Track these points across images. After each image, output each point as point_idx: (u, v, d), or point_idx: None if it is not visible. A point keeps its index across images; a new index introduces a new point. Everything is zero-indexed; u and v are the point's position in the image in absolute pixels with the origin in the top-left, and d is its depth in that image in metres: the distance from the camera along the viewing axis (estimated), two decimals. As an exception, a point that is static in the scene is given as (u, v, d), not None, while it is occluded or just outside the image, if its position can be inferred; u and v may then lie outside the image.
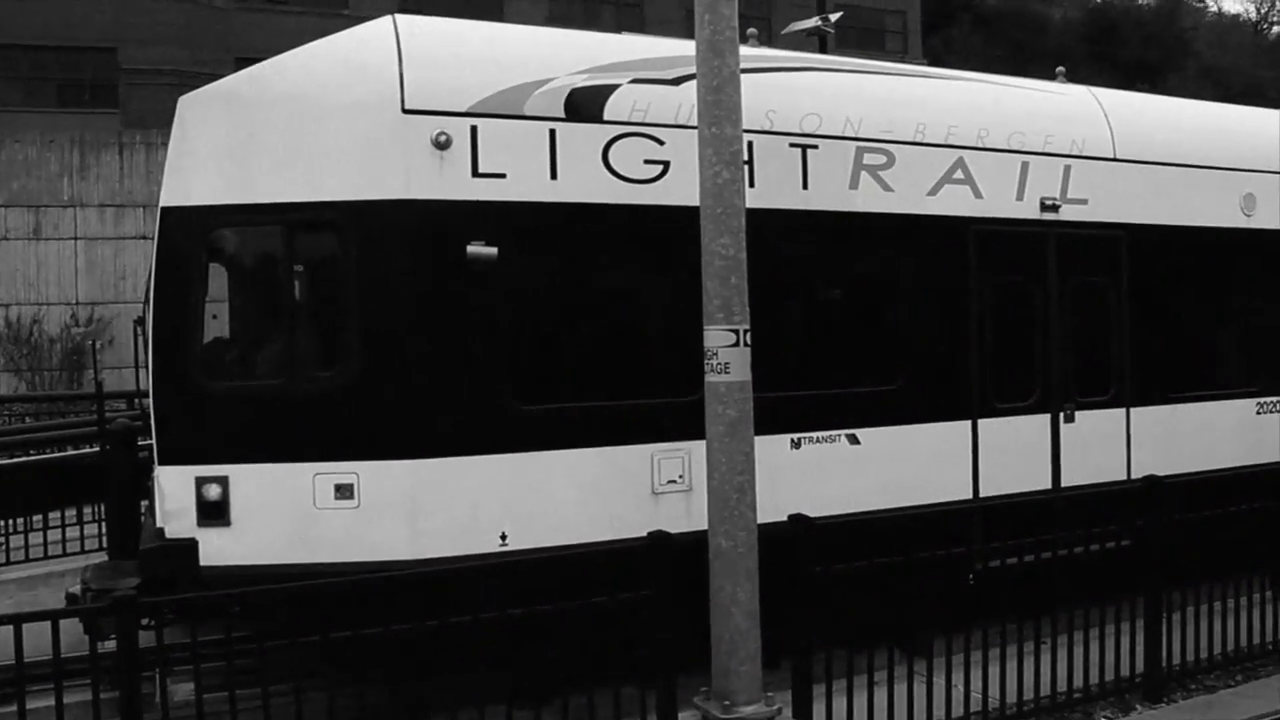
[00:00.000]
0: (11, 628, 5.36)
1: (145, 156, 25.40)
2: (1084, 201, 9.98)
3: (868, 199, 8.93)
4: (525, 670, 6.28)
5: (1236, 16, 66.36)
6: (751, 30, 9.76)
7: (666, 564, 6.37)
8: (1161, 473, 8.42)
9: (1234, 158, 11.04)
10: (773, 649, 6.75)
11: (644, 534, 6.60)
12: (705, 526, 6.59)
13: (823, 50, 20.14)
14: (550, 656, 6.23)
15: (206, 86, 7.76)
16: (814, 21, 21.91)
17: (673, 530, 6.77)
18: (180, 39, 30.60)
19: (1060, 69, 11.43)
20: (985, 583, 7.85)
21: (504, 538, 7.57)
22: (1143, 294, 10.32)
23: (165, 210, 7.42)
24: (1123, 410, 10.18)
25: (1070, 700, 7.57)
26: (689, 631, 6.52)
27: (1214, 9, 65.08)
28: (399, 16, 7.90)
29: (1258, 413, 11.06)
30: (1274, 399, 11.15)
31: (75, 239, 25.19)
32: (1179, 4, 57.26)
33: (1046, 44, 44.49)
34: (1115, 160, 10.21)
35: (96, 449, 11.44)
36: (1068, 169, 9.89)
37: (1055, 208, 9.80)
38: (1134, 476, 9.83)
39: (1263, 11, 66.58)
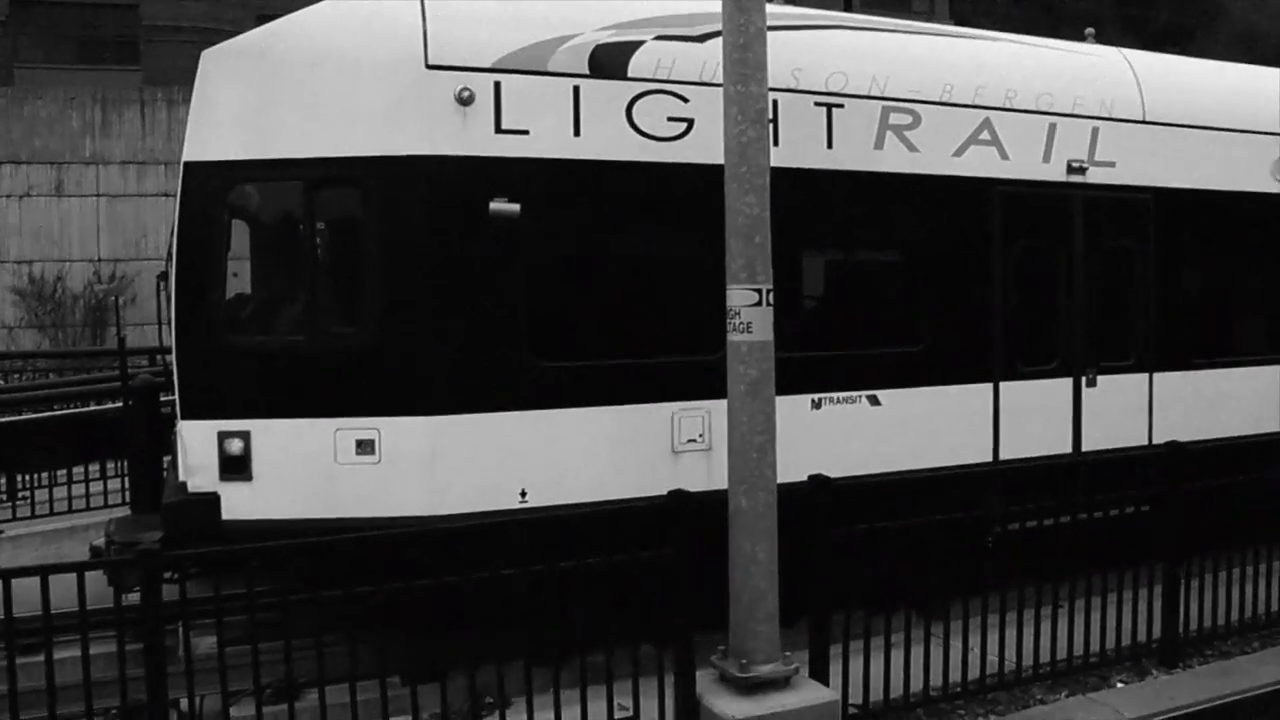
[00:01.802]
0: (38, 579, 5.42)
1: (167, 113, 25.40)
2: (1112, 164, 9.86)
3: (893, 159, 8.84)
4: (544, 628, 6.31)
5: (1270, -21, 65.17)
6: (777, -12, 9.65)
7: (686, 523, 6.38)
8: (1183, 438, 8.37)
9: (1266, 121, 10.89)
10: (790, 609, 6.77)
11: (664, 493, 6.60)
12: (725, 486, 6.59)
13: (848, 10, 19.92)
14: (569, 614, 6.26)
15: (229, 41, 7.72)
16: (839, -20, 21.66)
17: (692, 489, 6.77)
18: (201, -5, 30.47)
19: (1089, 30, 11.27)
20: (1004, 546, 7.84)
21: (524, 495, 7.60)
22: (1169, 258, 10.22)
23: (187, 165, 7.42)
24: (1145, 375, 10.10)
25: (1087, 664, 7.58)
26: (707, 590, 6.54)
27: (1248, -29, 63.91)
28: (422, -29, 7.83)
29: (1283, 380, 10.97)
30: (1300, 366, 11.06)
31: (97, 196, 25.26)
32: (1211, -34, 56.22)
33: (1075, 6, 43.86)
34: (1145, 123, 10.08)
35: (119, 404, 11.53)
36: (1096, 131, 9.77)
37: (1082, 170, 9.69)
38: (1156, 442, 9.78)
39: (1296, -26, 65.40)
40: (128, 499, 10.97)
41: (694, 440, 8.08)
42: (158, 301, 9.68)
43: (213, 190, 7.39)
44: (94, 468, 12.54)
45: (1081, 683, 7.54)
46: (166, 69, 27.59)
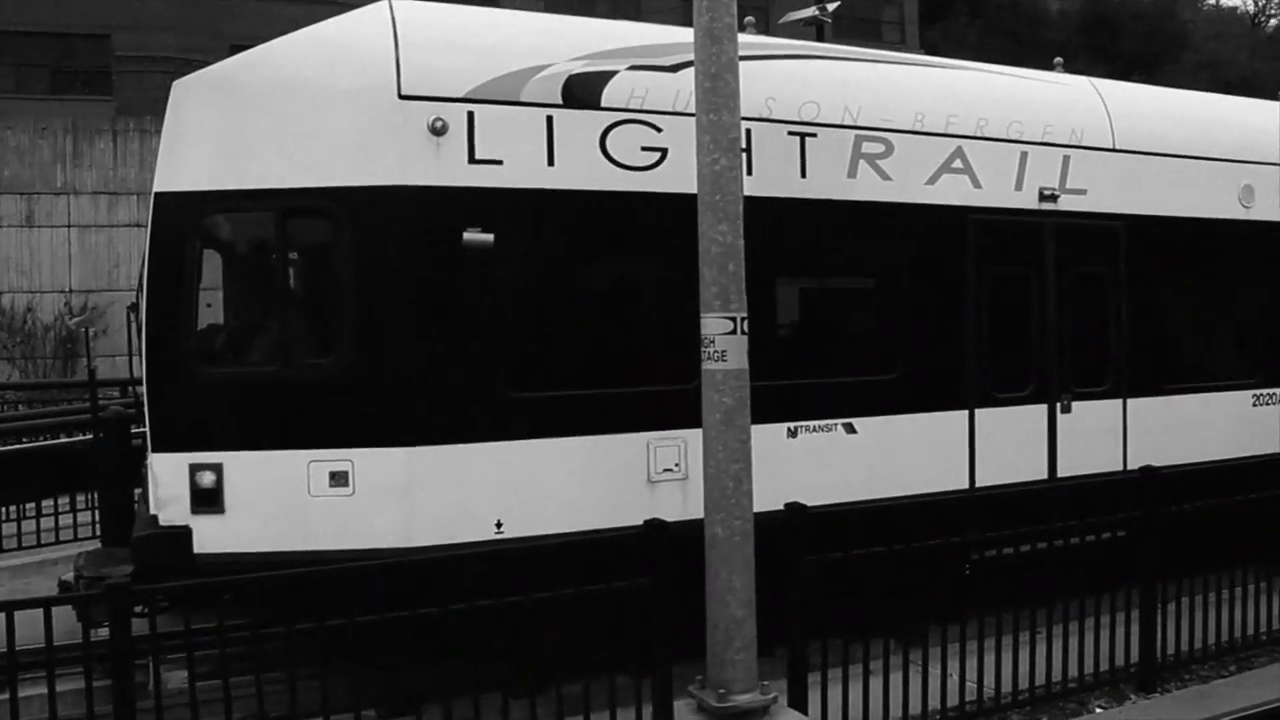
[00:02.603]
0: (3, 615, 5.33)
1: (139, 144, 25.31)
2: (1083, 192, 9.95)
3: (866, 188, 8.89)
4: (520, 659, 6.26)
5: (1234, 9, 66.34)
6: (749, 19, 9.74)
7: (662, 552, 6.34)
8: (1158, 464, 8.42)
9: (1233, 149, 11.02)
10: (768, 637, 6.73)
11: (640, 522, 6.56)
12: (701, 515, 6.55)
13: (820, 40, 20.08)
14: (545, 645, 6.20)
15: (200, 71, 7.71)
16: (811, 11, 21.85)
17: (669, 519, 6.73)
18: (174, 26, 30.45)
19: (1058, 60, 11.40)
20: (981, 572, 7.84)
21: (499, 525, 7.55)
22: (1140, 285, 10.30)
23: (158, 195, 7.38)
24: (1119, 401, 10.16)
25: (1065, 690, 7.57)
26: (685, 620, 6.50)
27: (1211, 1, 65.02)
28: (395, 1, 7.85)
29: (1254, 404, 11.06)
30: (1271, 390, 11.15)
31: (69, 226, 25.11)
32: (1177, -4, 57.18)
33: (1044, 36, 44.46)
34: (1114, 150, 10.18)
35: (90, 437, 11.40)
36: (1066, 159, 9.86)
37: (1054, 198, 9.77)
38: (1130, 467, 9.82)
39: (1260, 4, 66.58)
40: (99, 532, 10.82)
41: (670, 470, 8.05)
42: (129, 332, 9.60)
43: (184, 220, 7.34)
44: (64, 501, 12.37)
45: (1060, 709, 7.54)
46: (139, 99, 27.57)
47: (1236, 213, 10.99)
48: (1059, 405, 9.82)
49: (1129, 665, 7.87)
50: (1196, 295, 11.01)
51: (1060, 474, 9.74)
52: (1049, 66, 11.05)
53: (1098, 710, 7.61)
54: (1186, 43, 52.72)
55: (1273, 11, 65.96)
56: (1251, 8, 67.10)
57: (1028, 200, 9.68)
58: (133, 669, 5.57)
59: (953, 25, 45.80)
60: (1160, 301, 10.53)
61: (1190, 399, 10.56)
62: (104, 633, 5.63)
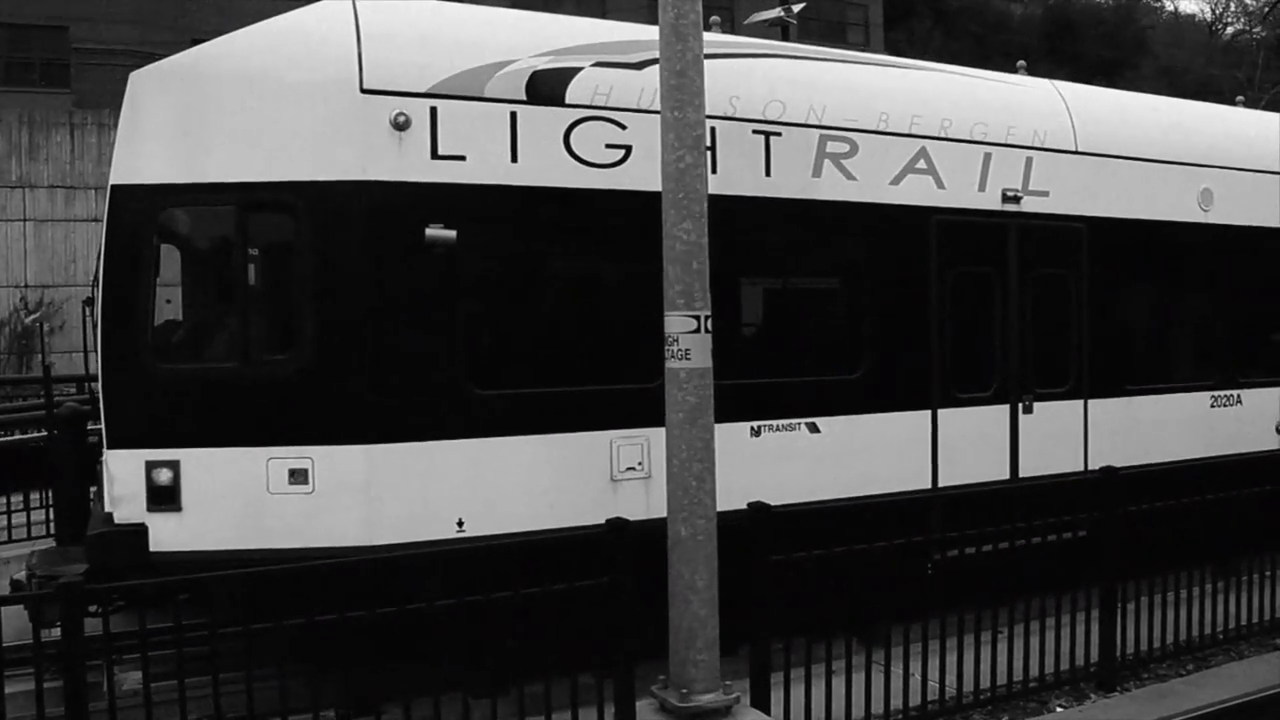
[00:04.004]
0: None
1: (97, 137, 24.98)
2: (1045, 193, 10.01)
3: (831, 187, 8.90)
4: (481, 658, 6.21)
5: (1192, 16, 67.31)
6: (714, 18, 9.71)
7: (625, 551, 6.31)
8: (1118, 464, 8.47)
9: (1192, 153, 11.13)
10: (731, 637, 6.72)
11: (603, 521, 6.53)
12: (664, 514, 6.52)
13: (785, 39, 20.13)
14: (507, 645, 6.16)
15: (159, 62, 7.60)
16: (777, 12, 21.93)
17: (632, 518, 6.71)
18: (133, 18, 30.05)
19: (1021, 63, 11.47)
20: (943, 572, 7.86)
21: (461, 524, 7.49)
22: (1101, 286, 10.38)
23: (115, 189, 7.26)
24: (1080, 402, 10.23)
25: (1026, 689, 7.61)
26: (647, 620, 6.47)
27: (1170, 8, 65.91)
28: (358, -5, 7.76)
29: (1212, 406, 11.17)
30: (1228, 392, 11.27)
31: (24, 220, 24.74)
32: (1137, 3, 57.94)
33: (1007, 39, 44.87)
34: (1077, 153, 10.26)
35: (44, 433, 11.23)
36: (1030, 161, 9.92)
37: (1017, 199, 9.82)
38: (1091, 467, 9.89)
39: (1217, 12, 67.55)
40: (53, 530, 10.67)
41: (633, 468, 8.02)
42: (85, 328, 9.46)
43: (141, 214, 7.23)
44: (18, 499, 12.19)
45: (1021, 708, 7.57)
46: (97, 92, 27.22)
47: (1195, 216, 11.10)
48: (1021, 406, 9.87)
49: (1089, 664, 7.93)
50: (1156, 297, 11.13)
51: (1022, 474, 9.79)
52: (1012, 69, 11.11)
53: (1058, 709, 7.65)
54: (1146, 48, 53.44)
55: (1229, 19, 66.96)
56: (1209, 15, 68.07)
57: (991, 201, 9.73)
58: (85, 670, 5.47)
59: (917, 28, 46.15)
60: (1121, 303, 10.62)
61: (1150, 400, 10.66)
62: (57, 633, 5.53)
